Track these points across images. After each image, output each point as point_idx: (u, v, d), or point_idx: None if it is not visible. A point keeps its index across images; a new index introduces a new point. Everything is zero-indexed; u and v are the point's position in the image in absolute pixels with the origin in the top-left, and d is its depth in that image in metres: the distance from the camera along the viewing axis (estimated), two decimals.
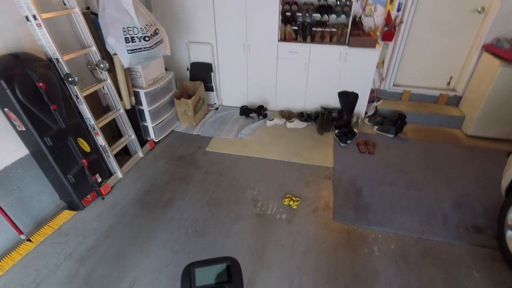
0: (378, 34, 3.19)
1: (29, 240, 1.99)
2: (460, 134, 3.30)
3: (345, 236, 2.07)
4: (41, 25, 1.88)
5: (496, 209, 2.08)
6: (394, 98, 3.72)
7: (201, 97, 3.46)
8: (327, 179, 2.61)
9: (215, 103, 3.80)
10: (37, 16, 1.85)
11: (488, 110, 3.00)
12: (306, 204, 2.34)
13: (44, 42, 1.96)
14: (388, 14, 3.16)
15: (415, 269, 1.85)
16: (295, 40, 3.24)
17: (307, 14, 3.04)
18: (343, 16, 3.09)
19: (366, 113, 3.52)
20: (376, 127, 3.35)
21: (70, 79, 2.06)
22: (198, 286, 0.48)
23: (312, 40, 3.18)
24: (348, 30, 3.06)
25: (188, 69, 3.66)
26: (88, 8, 2.49)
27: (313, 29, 3.15)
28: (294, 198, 2.35)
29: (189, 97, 3.26)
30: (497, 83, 2.84)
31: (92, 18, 2.46)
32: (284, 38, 3.24)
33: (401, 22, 3.21)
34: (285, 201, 2.34)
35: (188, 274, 0.49)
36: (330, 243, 2.02)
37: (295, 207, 2.30)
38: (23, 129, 1.88)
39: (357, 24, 3.19)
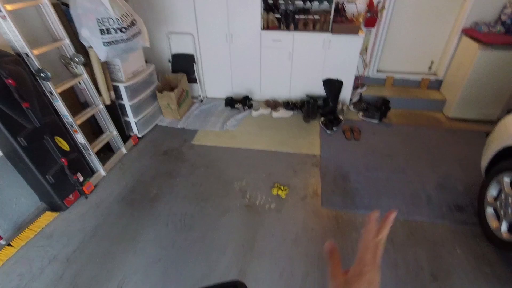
0: (361, 20, 3.18)
1: (10, 245, 1.91)
2: (441, 117, 3.38)
3: (333, 222, 2.10)
4: (6, 18, 1.76)
5: (477, 188, 2.15)
6: (378, 84, 3.75)
7: (185, 89, 3.38)
8: (315, 166, 2.62)
9: (199, 95, 3.73)
10: (1, 8, 1.72)
11: (468, 92, 3.08)
12: (295, 192, 2.35)
13: (11, 36, 1.83)
14: (370, 0, 3.15)
15: (402, 249, 1.90)
16: (278, 28, 3.18)
17: (289, 2, 2.99)
18: (325, 3, 3.06)
19: (351, 100, 3.54)
20: (361, 113, 3.38)
21: (42, 74, 1.95)
22: None
23: (295, 28, 3.14)
24: (331, 17, 3.03)
25: (169, 61, 3.55)
26: None
27: (296, 16, 3.11)
28: (282, 187, 2.35)
29: (171, 90, 3.17)
30: (476, 66, 2.90)
31: (63, 9, 2.32)
32: (267, 26, 3.18)
33: (383, 8, 3.21)
34: (273, 190, 2.34)
35: None
36: (319, 229, 2.04)
37: (283, 196, 2.30)
38: None
39: (339, 10, 3.16)
